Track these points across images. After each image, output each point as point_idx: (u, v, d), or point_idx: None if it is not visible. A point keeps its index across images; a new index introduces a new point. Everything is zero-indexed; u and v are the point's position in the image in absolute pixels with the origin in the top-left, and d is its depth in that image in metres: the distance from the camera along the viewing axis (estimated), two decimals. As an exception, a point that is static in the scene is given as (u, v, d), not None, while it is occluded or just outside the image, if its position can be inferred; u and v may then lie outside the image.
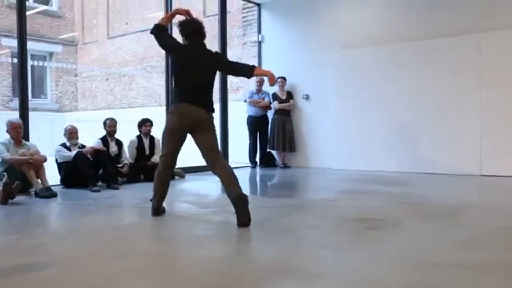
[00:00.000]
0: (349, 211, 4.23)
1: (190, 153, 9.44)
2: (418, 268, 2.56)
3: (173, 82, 4.02)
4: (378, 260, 2.74)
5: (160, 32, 4.04)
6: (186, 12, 4.11)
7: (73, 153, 5.87)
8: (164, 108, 7.66)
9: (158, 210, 4.02)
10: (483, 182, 6.39)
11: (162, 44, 4.06)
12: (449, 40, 7.11)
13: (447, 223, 3.72)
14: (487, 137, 6.85)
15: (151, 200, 4.05)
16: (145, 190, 5.79)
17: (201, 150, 3.93)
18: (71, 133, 6.12)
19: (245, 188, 6.59)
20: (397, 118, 7.49)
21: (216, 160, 3.88)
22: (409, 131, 7.40)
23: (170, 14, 4.28)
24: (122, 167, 6.47)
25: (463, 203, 4.68)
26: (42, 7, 14.45)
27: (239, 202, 3.62)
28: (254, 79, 9.12)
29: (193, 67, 3.87)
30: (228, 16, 9.13)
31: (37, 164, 5.25)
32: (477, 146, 6.92)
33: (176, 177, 7.00)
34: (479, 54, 6.89)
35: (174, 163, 4.07)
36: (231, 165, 8.57)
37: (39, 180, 5.23)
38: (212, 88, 4.04)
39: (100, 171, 6.04)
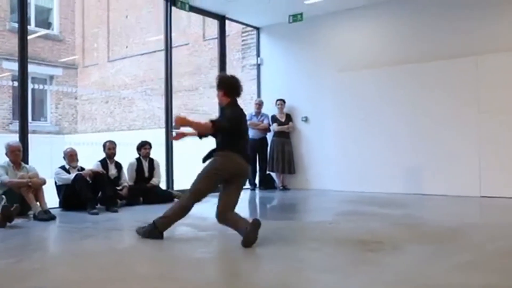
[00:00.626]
0: (348, 233, 4.22)
1: (189, 176, 9.43)
2: (418, 291, 2.55)
3: (228, 133, 4.12)
4: (377, 284, 2.72)
5: (221, 127, 4.12)
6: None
7: (72, 175, 5.87)
8: (163, 130, 7.68)
9: (162, 235, 4.02)
10: (483, 203, 6.38)
11: (232, 125, 4.10)
12: (446, 62, 7.18)
13: (446, 245, 3.70)
14: (486, 159, 6.86)
15: (154, 222, 4.04)
16: (144, 213, 5.78)
17: (228, 195, 4.08)
18: (71, 156, 6.12)
19: (245, 211, 6.60)
20: (395, 139, 7.52)
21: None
22: (408, 152, 7.42)
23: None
24: (121, 190, 6.46)
25: (463, 224, 4.66)
26: (44, 31, 14.62)
27: (255, 224, 3.73)
28: (253, 101, 9.19)
29: (245, 126, 4.25)
30: (228, 39, 9.25)
31: (36, 187, 5.24)
32: (476, 167, 6.93)
33: (176, 199, 6.96)
34: (476, 77, 6.96)
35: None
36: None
37: (37, 203, 5.22)
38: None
39: (99, 194, 6.03)
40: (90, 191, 5.83)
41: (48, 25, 15.11)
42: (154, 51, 13.23)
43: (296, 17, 8.52)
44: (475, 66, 6.97)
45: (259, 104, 8.82)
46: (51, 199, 5.75)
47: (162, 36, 7.88)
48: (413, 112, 7.43)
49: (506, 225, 4.66)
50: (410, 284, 2.67)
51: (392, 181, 7.44)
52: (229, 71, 9.79)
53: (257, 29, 9.49)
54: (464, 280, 2.73)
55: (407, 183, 7.33)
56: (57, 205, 6.01)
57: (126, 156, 6.97)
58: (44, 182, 5.38)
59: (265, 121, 8.74)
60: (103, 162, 6.48)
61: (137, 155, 6.93)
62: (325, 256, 3.43)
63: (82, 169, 6.11)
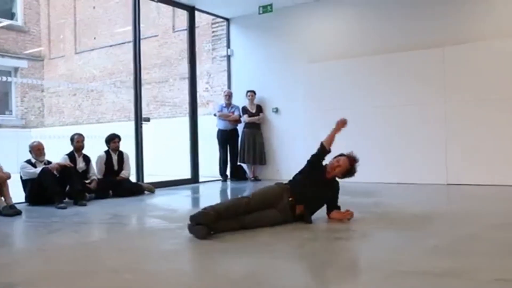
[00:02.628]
0: (318, 222, 4.25)
1: (160, 168, 9.37)
2: (386, 277, 2.59)
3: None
4: (346, 271, 2.76)
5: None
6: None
7: (39, 169, 5.74)
8: (133, 122, 7.58)
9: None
10: (449, 190, 6.53)
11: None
12: (414, 53, 7.29)
13: (415, 232, 3.78)
14: (452, 147, 7.03)
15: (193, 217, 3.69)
16: (113, 206, 5.72)
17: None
18: (37, 150, 5.98)
19: (216, 202, 6.58)
20: (365, 129, 7.61)
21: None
22: (378, 142, 7.52)
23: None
24: (90, 183, 6.36)
25: (430, 211, 4.77)
26: (7, 22, 14.18)
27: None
28: (222, 92, 9.17)
29: None
30: (198, 31, 9.16)
31: (0, 182, 5.10)
32: (442, 156, 7.09)
33: (146, 192, 6.92)
34: (443, 67, 7.10)
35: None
36: (202, 179, 8.66)
37: (2, 198, 5.09)
38: None
39: (67, 188, 5.92)
40: (58, 185, 5.71)
41: (11, 16, 14.66)
42: (123, 43, 13.03)
43: (265, 8, 8.50)
44: (442, 57, 7.10)
45: (229, 95, 8.81)
46: (17, 194, 5.62)
47: (130, 28, 7.75)
48: (382, 102, 7.53)
49: (470, 212, 4.79)
50: (380, 270, 2.71)
51: (363, 170, 7.49)
52: (199, 63, 9.73)
53: (227, 20, 9.44)
54: (431, 264, 2.79)
55: (378, 172, 7.44)
56: (23, 200, 5.87)
57: (95, 149, 6.86)
58: (8, 177, 5.24)
59: (236, 113, 8.73)
60: (71, 156, 6.36)
61: (106, 148, 6.83)
62: (294, 245, 3.45)
63: (49, 162, 5.98)
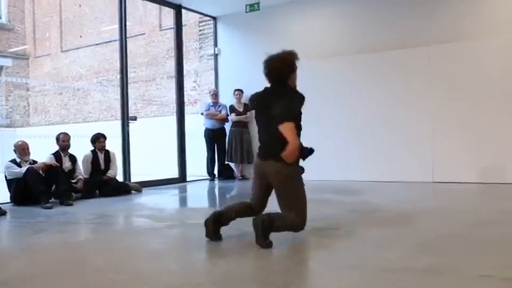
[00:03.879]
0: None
1: (147, 167, 9.32)
2: (370, 274, 2.61)
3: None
4: (331, 268, 2.77)
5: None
6: None
7: (24, 169, 5.68)
8: (120, 121, 7.54)
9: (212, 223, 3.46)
10: (435, 188, 6.59)
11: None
12: (401, 52, 7.34)
13: (400, 230, 3.81)
14: (438, 146, 7.09)
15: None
16: (100, 206, 5.68)
17: None
18: (22, 149, 5.92)
19: (203, 201, 6.59)
20: (352, 128, 7.65)
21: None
22: (365, 140, 7.56)
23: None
24: (76, 183, 6.32)
25: (416, 209, 4.81)
26: (-9, 20, 14.02)
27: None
28: (208, 92, 9.15)
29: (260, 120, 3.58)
30: (185, 29, 9.13)
31: (-15, 182, 5.05)
32: (429, 154, 7.15)
33: (133, 191, 6.88)
34: (430, 66, 7.16)
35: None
36: (189, 178, 8.63)
37: (-13, 198, 5.03)
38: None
39: (53, 187, 5.87)
40: (43, 185, 5.66)
41: (-5, 14, 14.49)
42: (110, 41, 12.95)
43: (253, 7, 8.49)
44: (428, 55, 7.15)
45: (215, 94, 8.81)
46: (1, 194, 5.56)
47: (117, 26, 7.71)
48: (369, 101, 7.57)
49: (455, 209, 4.84)
50: (365, 268, 2.73)
51: (349, 168, 7.57)
52: (187, 61, 9.70)
53: (214, 18, 9.42)
54: (416, 261, 2.82)
55: (364, 170, 7.48)
56: (8, 200, 5.82)
57: (82, 149, 6.82)
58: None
59: (223, 111, 8.72)
60: (57, 155, 6.30)
61: (93, 148, 6.79)
62: (280, 243, 3.45)
63: (34, 162, 5.93)
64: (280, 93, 3.46)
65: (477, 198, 5.71)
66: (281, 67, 3.55)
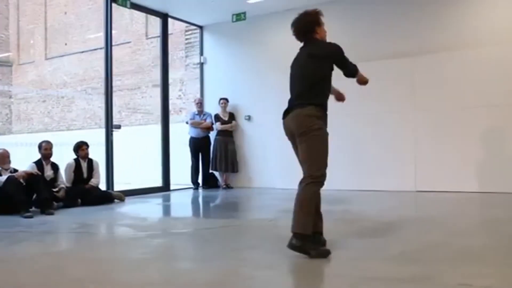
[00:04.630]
0: (288, 230, 4.25)
1: (131, 176, 9.24)
2: (352, 284, 2.61)
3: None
4: (315, 278, 2.77)
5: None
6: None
7: (4, 177, 5.60)
8: (103, 130, 7.48)
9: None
10: (418, 198, 6.64)
11: None
12: (385, 62, 7.41)
13: (383, 239, 3.82)
14: (421, 155, 7.16)
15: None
16: (82, 215, 5.62)
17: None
18: (3, 157, 5.84)
19: (187, 211, 6.55)
20: (337, 137, 7.65)
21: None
22: (349, 150, 7.60)
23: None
24: (57, 191, 6.24)
25: (399, 219, 4.83)
26: (-26, 26, 13.87)
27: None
28: (193, 100, 9.14)
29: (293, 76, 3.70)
30: (171, 38, 9.13)
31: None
32: (412, 163, 7.21)
33: (116, 200, 6.82)
34: (412, 76, 7.24)
35: None
36: (173, 187, 8.58)
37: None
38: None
39: (34, 196, 5.79)
40: (24, 194, 5.57)
41: (-21, 20, 14.35)
42: (95, 49, 12.89)
43: (239, 16, 8.54)
44: (411, 66, 7.24)
45: (200, 103, 8.81)
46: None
47: (102, 34, 7.67)
48: (351, 110, 7.60)
49: (436, 218, 4.87)
50: (348, 277, 2.73)
51: (333, 177, 7.53)
52: (172, 70, 9.69)
53: (201, 27, 9.43)
54: (397, 270, 2.83)
55: (347, 179, 7.51)
56: (-12, 209, 5.71)
57: (66, 157, 6.75)
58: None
59: (208, 120, 8.71)
60: (39, 163, 6.23)
61: (76, 156, 6.72)
62: (265, 253, 3.45)
63: (15, 170, 5.85)
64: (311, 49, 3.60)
65: (459, 207, 5.77)
66: (305, 24, 3.65)
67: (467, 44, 6.93)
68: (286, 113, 3.55)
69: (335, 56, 3.58)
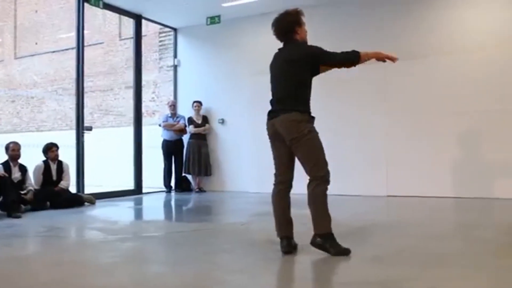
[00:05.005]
0: (260, 234, 4.26)
1: (103, 179, 9.11)
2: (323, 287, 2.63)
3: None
4: (287, 282, 2.77)
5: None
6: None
7: (-30, 179, 5.45)
8: (74, 131, 7.35)
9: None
10: (390, 202, 6.74)
11: None
12: (356, 68, 7.47)
13: (355, 243, 3.84)
14: (392, 160, 7.27)
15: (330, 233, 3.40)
16: (50, 218, 5.50)
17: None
18: (-32, 158, 5.68)
19: (158, 214, 6.49)
20: (309, 142, 7.73)
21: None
22: (321, 155, 7.65)
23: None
24: (25, 194, 6.09)
25: (371, 223, 4.89)
26: None
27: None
28: (166, 103, 9.07)
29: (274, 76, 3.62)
30: (145, 40, 9.05)
31: None
32: (383, 168, 7.31)
33: (86, 203, 6.70)
34: (384, 82, 7.35)
35: None
36: (145, 190, 8.49)
37: None
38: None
39: (0, 199, 5.64)
40: (-10, 196, 5.43)
41: None
42: (67, 49, 12.65)
43: (213, 19, 8.53)
44: (383, 72, 7.35)
45: (173, 105, 8.77)
46: None
47: (74, 34, 7.55)
48: (324, 115, 7.64)
49: (407, 223, 4.94)
50: (320, 281, 2.75)
51: (304, 182, 7.62)
52: (146, 72, 9.60)
53: (175, 30, 9.38)
54: (369, 274, 2.86)
55: (320, 184, 7.55)
56: (-48, 212, 5.55)
57: (35, 159, 6.60)
58: None
59: (181, 121, 8.66)
60: (6, 165, 6.07)
61: (44, 158, 6.58)
62: (236, 257, 3.44)
63: (-19, 172, 5.69)
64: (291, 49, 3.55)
65: (431, 212, 5.86)
66: (285, 23, 3.58)
67: (439, 50, 7.08)
68: (272, 115, 3.54)
69: (311, 57, 3.54)
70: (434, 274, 2.88)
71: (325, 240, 3.31)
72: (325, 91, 7.65)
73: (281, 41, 3.64)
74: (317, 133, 3.50)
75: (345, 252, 3.29)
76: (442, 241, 3.92)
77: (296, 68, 3.48)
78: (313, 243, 3.35)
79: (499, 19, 6.80)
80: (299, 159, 3.48)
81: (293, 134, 3.37)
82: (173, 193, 8.52)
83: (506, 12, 6.77)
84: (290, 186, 3.57)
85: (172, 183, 8.71)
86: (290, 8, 3.61)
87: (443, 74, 7.01)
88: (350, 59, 3.66)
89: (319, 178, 3.42)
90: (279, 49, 3.67)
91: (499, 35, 6.75)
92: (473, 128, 6.83)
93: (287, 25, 3.56)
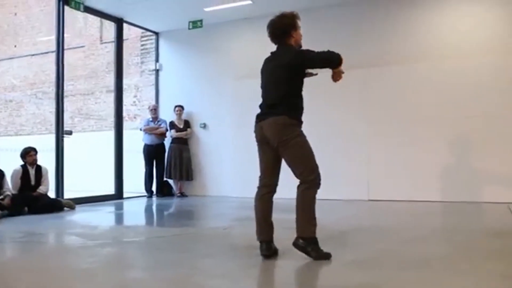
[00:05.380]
0: (241, 238, 4.26)
1: (83, 183, 9.00)
2: (304, 291, 2.64)
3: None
4: (268, 287, 2.77)
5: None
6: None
7: None
8: (54, 135, 7.26)
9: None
10: (371, 206, 6.79)
11: None
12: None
13: (335, 247, 3.86)
14: (374, 165, 7.33)
15: (314, 238, 3.41)
16: (28, 223, 5.42)
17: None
18: None
19: (139, 219, 6.43)
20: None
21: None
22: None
23: None
24: (2, 199, 5.99)
25: (351, 227, 4.92)
26: None
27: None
28: (148, 107, 9.02)
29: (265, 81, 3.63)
30: (126, 43, 9.00)
31: None
32: (364, 173, 7.37)
33: (66, 208, 6.62)
34: (365, 87, 7.42)
35: None
36: (126, 195, 8.42)
37: None
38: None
39: (-23, 204, 5.55)
40: (-34, 201, 5.33)
41: None
42: (47, 52, 12.49)
43: (195, 24, 8.52)
44: (364, 78, 7.42)
45: (154, 109, 8.73)
46: None
47: (54, 37, 7.47)
48: (306, 120, 7.70)
49: (388, 227, 4.99)
50: (300, 285, 2.75)
51: (289, 187, 7.63)
52: (127, 76, 9.54)
53: (156, 34, 9.35)
54: (347, 278, 2.88)
55: (302, 188, 7.58)
56: None
57: (13, 163, 6.50)
58: None
59: (163, 125, 8.62)
60: (-17, 170, 5.97)
61: (23, 162, 6.48)
62: (217, 262, 3.43)
63: (-42, 177, 5.58)
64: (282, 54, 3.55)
65: (410, 215, 5.92)
66: (281, 26, 3.58)
67: (419, 57, 7.19)
68: (260, 118, 3.54)
69: (298, 61, 3.54)
70: (409, 277, 2.90)
71: (308, 243, 3.32)
72: (308, 97, 7.70)
73: (275, 43, 3.64)
74: (305, 136, 3.50)
75: (326, 257, 3.30)
76: (422, 245, 3.96)
77: (288, 73, 3.48)
78: (296, 244, 3.36)
79: (479, 25, 6.93)
80: (287, 162, 3.49)
81: (280, 137, 3.37)
82: (154, 198, 8.46)
83: (486, 18, 6.91)
84: (274, 191, 3.57)
85: (154, 188, 8.65)
86: (286, 11, 3.61)
87: (425, 80, 7.10)
88: (334, 62, 3.80)
89: (310, 181, 3.44)
90: (271, 53, 3.66)
91: (485, 41, 6.87)
92: (456, 133, 6.93)
93: (283, 27, 3.56)
